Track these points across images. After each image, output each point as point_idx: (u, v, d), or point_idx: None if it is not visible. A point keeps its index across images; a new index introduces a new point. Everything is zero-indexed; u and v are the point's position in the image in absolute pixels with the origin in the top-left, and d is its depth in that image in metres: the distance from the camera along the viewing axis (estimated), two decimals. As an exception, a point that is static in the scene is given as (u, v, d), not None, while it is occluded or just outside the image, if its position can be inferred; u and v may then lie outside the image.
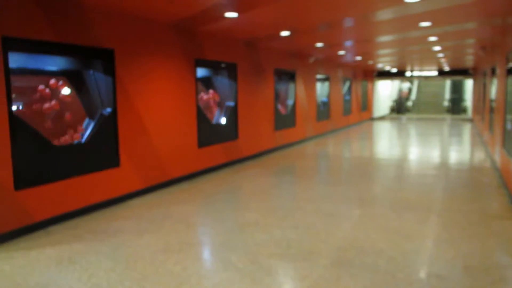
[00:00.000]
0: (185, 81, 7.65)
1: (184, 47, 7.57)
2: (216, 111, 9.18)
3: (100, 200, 5.95)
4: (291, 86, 12.70)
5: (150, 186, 6.89)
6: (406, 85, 28.47)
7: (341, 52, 12.91)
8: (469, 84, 25.65)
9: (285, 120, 12.12)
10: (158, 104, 7.00)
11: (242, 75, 9.60)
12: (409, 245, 4.50)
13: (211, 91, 8.99)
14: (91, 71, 6.07)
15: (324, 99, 16.00)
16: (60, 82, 5.82)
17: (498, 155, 8.42)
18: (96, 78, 6.08)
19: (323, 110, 15.62)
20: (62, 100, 5.83)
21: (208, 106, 8.93)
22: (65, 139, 5.78)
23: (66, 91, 5.90)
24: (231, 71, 9.26)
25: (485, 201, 6.44)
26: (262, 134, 10.77)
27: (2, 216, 4.68)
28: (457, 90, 28.66)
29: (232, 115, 9.35)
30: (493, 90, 10.27)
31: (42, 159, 5.15)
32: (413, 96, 29.95)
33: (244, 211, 5.85)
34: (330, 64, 15.92)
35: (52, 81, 5.73)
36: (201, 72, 8.53)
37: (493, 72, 10.32)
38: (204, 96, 8.81)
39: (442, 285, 3.56)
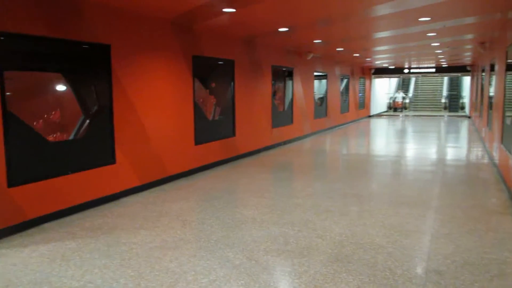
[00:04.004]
0: (182, 78, 7.58)
1: (181, 44, 7.50)
2: (213, 108, 9.12)
3: (96, 197, 5.89)
4: (289, 83, 12.65)
5: (146, 183, 6.83)
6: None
7: (339, 49, 12.85)
8: (466, 81, 25.62)
9: (282, 117, 12.07)
10: (154, 101, 6.93)
11: (240, 72, 9.53)
12: (408, 240, 4.46)
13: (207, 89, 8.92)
14: (87, 67, 5.99)
15: (322, 96, 15.95)
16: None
17: (496, 151, 8.38)
18: (92, 74, 6.01)
19: (321, 108, 15.57)
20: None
21: (205, 103, 8.87)
22: (59, 136, 5.71)
23: (61, 87, 5.84)
24: (229, 68, 9.19)
25: (483, 196, 6.40)
26: (259, 131, 10.71)
27: (-5, 213, 4.62)
28: (454, 87, 28.63)
29: (229, 112, 9.29)
30: (492, 86, 10.24)
31: (36, 156, 5.08)
32: (410, 93, 29.86)
33: (241, 208, 5.79)
34: (328, 62, 15.87)
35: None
36: (198, 68, 8.45)
37: (492, 68, 10.28)
38: (200, 93, 8.74)
39: (441, 280, 3.52)
